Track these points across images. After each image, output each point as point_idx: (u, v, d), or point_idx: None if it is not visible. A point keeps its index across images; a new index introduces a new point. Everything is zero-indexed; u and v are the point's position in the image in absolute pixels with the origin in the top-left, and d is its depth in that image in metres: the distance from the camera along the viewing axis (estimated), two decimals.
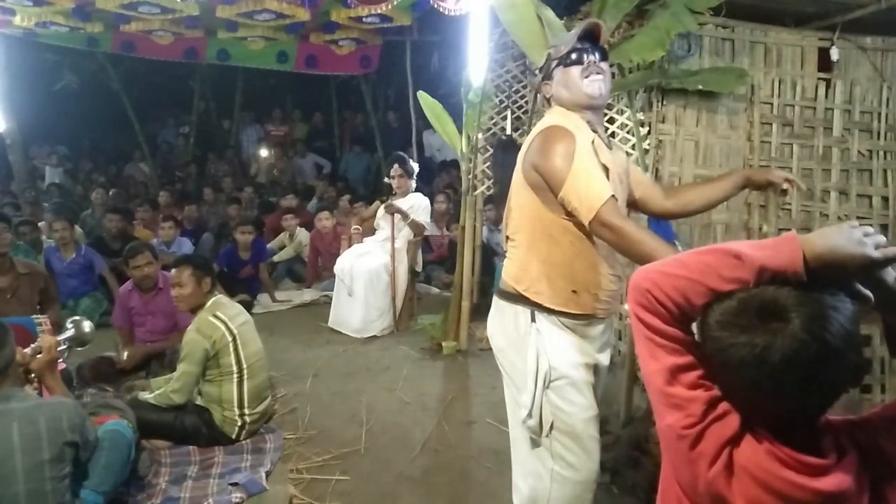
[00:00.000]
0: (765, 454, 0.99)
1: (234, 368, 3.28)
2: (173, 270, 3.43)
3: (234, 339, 3.28)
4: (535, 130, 2.02)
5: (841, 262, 0.96)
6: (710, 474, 1.01)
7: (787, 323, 0.94)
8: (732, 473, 1.01)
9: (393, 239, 5.29)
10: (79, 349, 3.27)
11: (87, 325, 3.10)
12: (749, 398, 1.00)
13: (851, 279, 0.99)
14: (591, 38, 2.00)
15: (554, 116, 2.02)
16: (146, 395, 3.34)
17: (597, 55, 1.98)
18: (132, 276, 4.20)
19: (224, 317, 3.31)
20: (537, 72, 2.10)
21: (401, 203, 5.31)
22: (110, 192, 8.33)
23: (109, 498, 2.53)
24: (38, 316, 3.58)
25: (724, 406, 1.04)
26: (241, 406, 3.31)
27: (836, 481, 0.96)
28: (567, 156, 1.84)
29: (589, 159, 1.85)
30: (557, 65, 2.01)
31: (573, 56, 1.97)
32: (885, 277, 0.99)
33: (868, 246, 0.97)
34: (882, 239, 0.99)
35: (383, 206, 5.32)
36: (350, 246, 5.75)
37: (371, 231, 5.72)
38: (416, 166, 5.59)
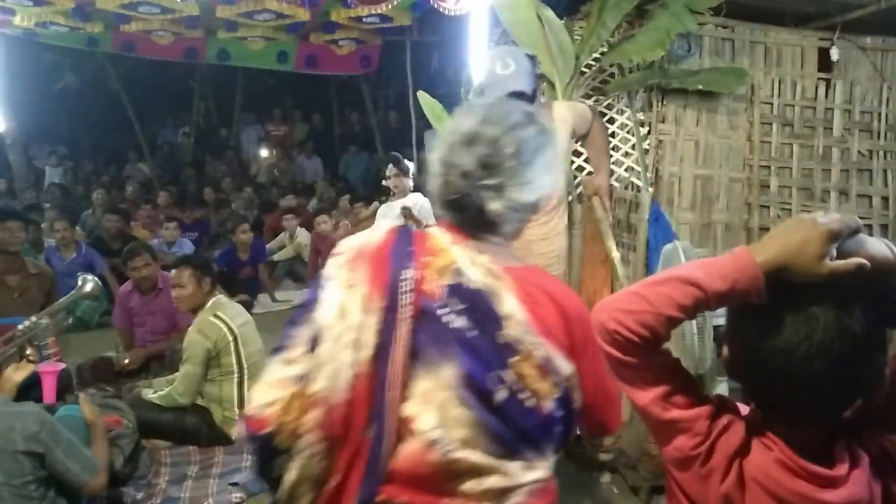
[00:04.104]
0: (774, 464, 0.97)
1: (235, 368, 3.28)
2: (173, 271, 3.44)
3: (236, 339, 3.28)
4: None
5: (798, 251, 0.89)
6: (723, 488, 0.99)
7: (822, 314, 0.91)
8: (744, 485, 0.99)
9: None
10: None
11: (89, 284, 3.20)
12: (776, 390, 0.97)
13: (820, 272, 0.90)
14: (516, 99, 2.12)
15: None
16: (150, 395, 3.34)
17: None
18: (131, 276, 4.20)
19: (225, 317, 3.31)
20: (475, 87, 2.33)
21: (402, 203, 5.31)
22: (111, 193, 8.35)
23: None
24: (35, 315, 3.58)
25: (726, 417, 1.02)
26: (241, 406, 3.30)
27: (846, 493, 0.94)
28: None
29: None
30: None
31: None
32: (871, 251, 0.90)
33: (821, 221, 0.89)
34: (836, 214, 0.92)
35: (400, 209, 5.29)
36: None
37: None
38: (411, 165, 5.59)
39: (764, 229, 3.91)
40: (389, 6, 6.06)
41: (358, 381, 1.07)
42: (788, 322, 0.93)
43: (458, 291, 1.10)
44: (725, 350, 1.06)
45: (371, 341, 1.08)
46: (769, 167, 3.92)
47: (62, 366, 3.19)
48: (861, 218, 3.42)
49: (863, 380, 0.95)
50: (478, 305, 1.09)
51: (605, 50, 3.66)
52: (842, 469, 0.96)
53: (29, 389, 2.60)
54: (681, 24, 3.28)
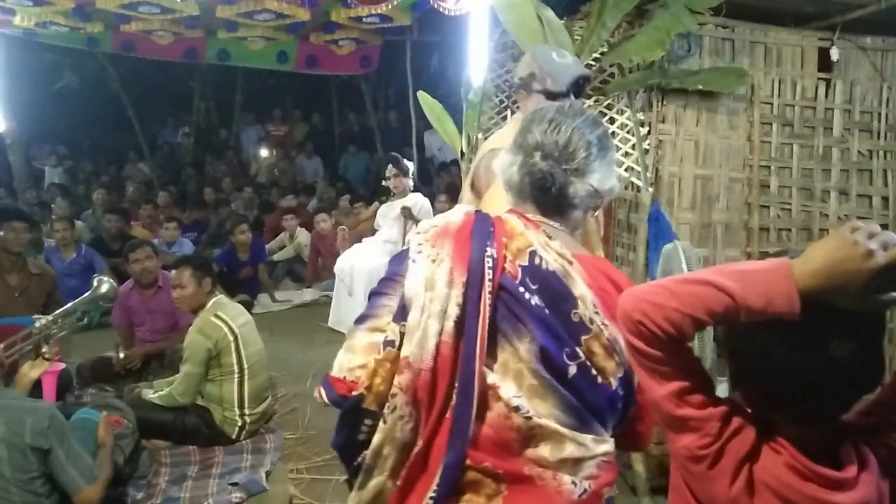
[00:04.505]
0: (784, 467, 0.97)
1: (236, 368, 3.28)
2: (173, 272, 3.44)
3: (236, 339, 3.29)
4: (485, 146, 2.20)
5: (844, 284, 0.86)
6: (732, 492, 0.99)
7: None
8: (754, 490, 0.99)
9: (404, 241, 5.27)
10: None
11: (105, 286, 3.25)
12: (785, 393, 0.97)
13: (859, 305, 0.88)
14: (577, 83, 2.14)
15: (506, 129, 2.25)
16: (150, 395, 3.34)
17: (572, 97, 2.14)
18: (132, 270, 4.20)
19: (225, 317, 3.32)
20: (518, 78, 2.25)
21: (402, 203, 5.31)
22: (112, 193, 8.38)
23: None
24: (40, 316, 3.58)
25: (737, 420, 1.02)
26: (241, 406, 3.31)
27: (857, 496, 0.95)
28: (488, 180, 2.01)
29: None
30: (539, 91, 2.14)
31: (565, 96, 2.11)
32: None
33: (876, 254, 0.84)
34: (890, 237, 0.86)
35: (400, 209, 5.29)
36: (349, 246, 5.75)
37: (371, 231, 5.71)
38: (410, 165, 5.59)
39: (764, 229, 3.91)
40: (389, 6, 6.06)
41: (442, 349, 1.15)
42: (812, 335, 0.93)
43: (534, 272, 1.19)
44: (726, 354, 1.06)
45: (454, 312, 1.15)
46: (769, 167, 3.92)
47: (62, 366, 3.20)
48: (861, 218, 3.44)
49: (872, 378, 0.96)
50: (552, 286, 1.18)
51: (605, 50, 3.66)
52: (851, 471, 0.96)
53: (29, 389, 2.61)
54: (681, 24, 3.28)
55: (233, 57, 8.09)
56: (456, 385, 1.14)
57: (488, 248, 1.18)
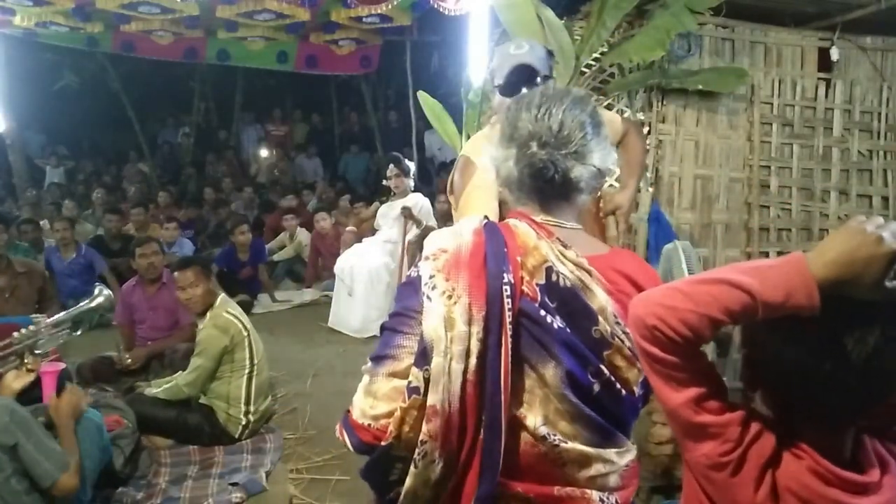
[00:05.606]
0: (807, 472, 0.96)
1: (248, 364, 3.30)
2: (177, 273, 3.43)
3: (249, 335, 3.32)
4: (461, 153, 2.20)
5: (860, 271, 0.86)
6: (757, 499, 0.97)
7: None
8: (778, 496, 0.97)
9: (404, 241, 5.27)
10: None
11: (99, 298, 3.19)
12: (804, 394, 0.96)
13: (878, 293, 0.88)
14: (523, 72, 1.99)
15: (476, 136, 2.27)
16: (153, 390, 3.35)
17: (524, 89, 1.96)
18: (137, 265, 4.21)
19: (236, 313, 3.35)
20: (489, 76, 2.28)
21: (402, 203, 5.31)
22: (114, 193, 8.40)
23: (94, 482, 2.54)
24: (37, 315, 3.58)
25: (756, 425, 1.00)
26: (247, 402, 3.32)
27: (881, 499, 0.94)
28: (460, 187, 2.00)
29: (477, 189, 1.94)
30: (496, 87, 2.09)
31: (506, 89, 2.02)
32: None
33: (887, 239, 0.85)
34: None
35: (400, 209, 5.29)
36: (349, 246, 5.75)
37: (371, 231, 5.71)
38: (411, 165, 5.59)
39: (764, 229, 3.92)
40: (389, 6, 6.07)
41: (468, 388, 1.11)
42: (828, 334, 0.92)
43: (552, 289, 1.14)
44: (744, 352, 1.05)
45: (476, 348, 1.11)
46: (769, 167, 3.92)
47: (62, 366, 3.19)
48: None
49: (889, 379, 0.94)
50: (572, 302, 1.14)
51: (605, 50, 3.66)
52: (874, 474, 0.95)
53: (29, 389, 2.60)
54: (681, 24, 3.28)
55: (233, 57, 8.10)
56: (483, 419, 1.11)
57: (504, 275, 1.12)
